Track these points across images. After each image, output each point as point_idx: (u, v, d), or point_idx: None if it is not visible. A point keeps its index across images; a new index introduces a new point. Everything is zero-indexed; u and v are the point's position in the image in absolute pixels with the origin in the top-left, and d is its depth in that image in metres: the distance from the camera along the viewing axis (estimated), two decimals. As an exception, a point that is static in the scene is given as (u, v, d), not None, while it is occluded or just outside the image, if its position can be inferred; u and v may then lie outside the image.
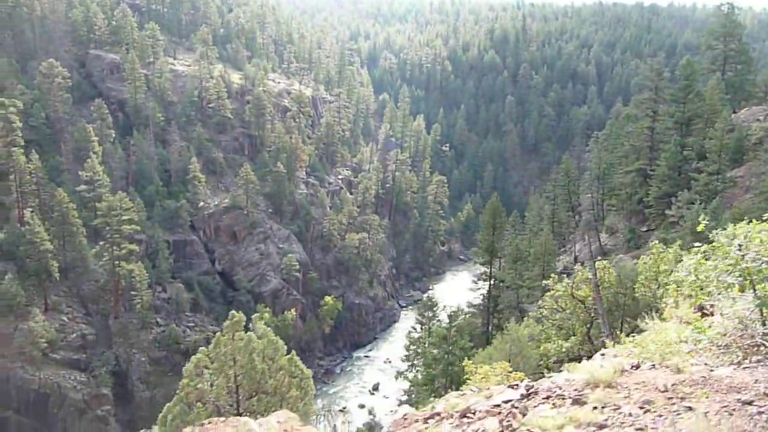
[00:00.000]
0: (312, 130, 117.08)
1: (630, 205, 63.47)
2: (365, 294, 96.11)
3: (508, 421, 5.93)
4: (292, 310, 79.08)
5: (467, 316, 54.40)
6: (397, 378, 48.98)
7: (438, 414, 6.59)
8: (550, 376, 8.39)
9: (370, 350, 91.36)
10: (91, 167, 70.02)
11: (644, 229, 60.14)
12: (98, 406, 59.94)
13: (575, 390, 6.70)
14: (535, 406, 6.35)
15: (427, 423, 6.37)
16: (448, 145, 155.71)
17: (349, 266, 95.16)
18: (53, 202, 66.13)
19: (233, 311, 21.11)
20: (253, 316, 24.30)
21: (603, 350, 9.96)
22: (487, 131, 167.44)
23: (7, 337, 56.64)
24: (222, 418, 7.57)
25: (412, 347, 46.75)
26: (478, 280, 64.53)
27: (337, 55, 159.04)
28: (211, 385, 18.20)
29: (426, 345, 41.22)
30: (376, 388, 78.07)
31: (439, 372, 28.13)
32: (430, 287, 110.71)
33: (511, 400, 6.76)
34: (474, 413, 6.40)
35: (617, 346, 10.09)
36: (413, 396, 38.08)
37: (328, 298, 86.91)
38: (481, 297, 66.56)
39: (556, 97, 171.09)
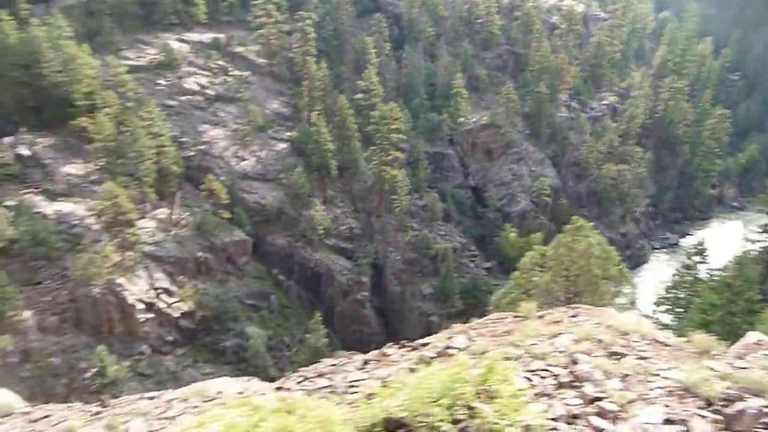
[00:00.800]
0: (579, 50, 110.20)
1: None
2: (616, 229, 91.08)
3: None
4: (538, 234, 78.74)
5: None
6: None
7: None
8: None
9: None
10: (368, 77, 75.94)
11: None
12: (358, 291, 68.08)
13: None
14: None
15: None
16: (738, 73, 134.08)
17: (602, 197, 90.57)
18: (335, 108, 73.83)
19: (576, 216, 21.97)
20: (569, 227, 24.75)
21: None
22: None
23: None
24: (587, 306, 8.17)
25: (671, 291, 43.68)
26: (763, 231, 56.47)
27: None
28: (541, 280, 19.64)
29: (695, 290, 38.14)
30: (616, 326, 75.32)
31: (716, 319, 25.98)
32: (691, 232, 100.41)
33: None
34: None
35: None
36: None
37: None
38: (760, 251, 58.57)
39: None
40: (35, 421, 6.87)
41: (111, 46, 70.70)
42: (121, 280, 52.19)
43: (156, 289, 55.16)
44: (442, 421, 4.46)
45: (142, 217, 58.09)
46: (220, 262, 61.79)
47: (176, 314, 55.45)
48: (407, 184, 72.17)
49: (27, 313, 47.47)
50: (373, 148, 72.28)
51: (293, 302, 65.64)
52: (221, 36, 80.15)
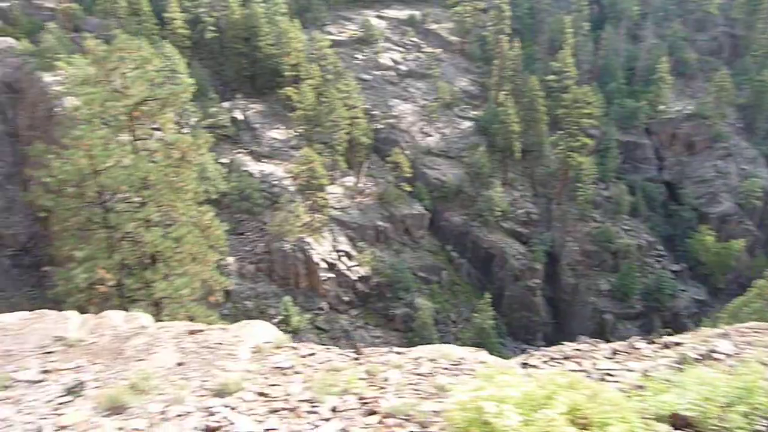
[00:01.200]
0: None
1: None
2: (843, 244, 78.26)
3: None
4: (741, 241, 70.39)
5: None
6: None
7: None
8: None
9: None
10: (562, 58, 72.71)
11: None
12: (530, 277, 66.48)
13: None
14: None
15: None
16: None
17: (830, 207, 78.16)
18: (525, 89, 71.85)
19: None
20: None
21: None
22: None
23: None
24: None
25: None
26: None
27: None
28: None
29: None
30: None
31: None
32: None
33: None
34: None
35: None
36: None
37: (788, 238, 74.14)
38: None
39: None
40: (304, 357, 7.78)
41: (317, 22, 75.69)
42: (309, 240, 56.52)
43: (338, 251, 58.90)
44: (740, 429, 4.20)
45: (332, 183, 62.03)
46: (398, 232, 64.08)
47: (354, 277, 58.79)
48: (593, 173, 68.48)
49: (230, 259, 53.51)
50: (560, 132, 69.40)
51: (463, 280, 66.10)
52: (417, 13, 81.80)
